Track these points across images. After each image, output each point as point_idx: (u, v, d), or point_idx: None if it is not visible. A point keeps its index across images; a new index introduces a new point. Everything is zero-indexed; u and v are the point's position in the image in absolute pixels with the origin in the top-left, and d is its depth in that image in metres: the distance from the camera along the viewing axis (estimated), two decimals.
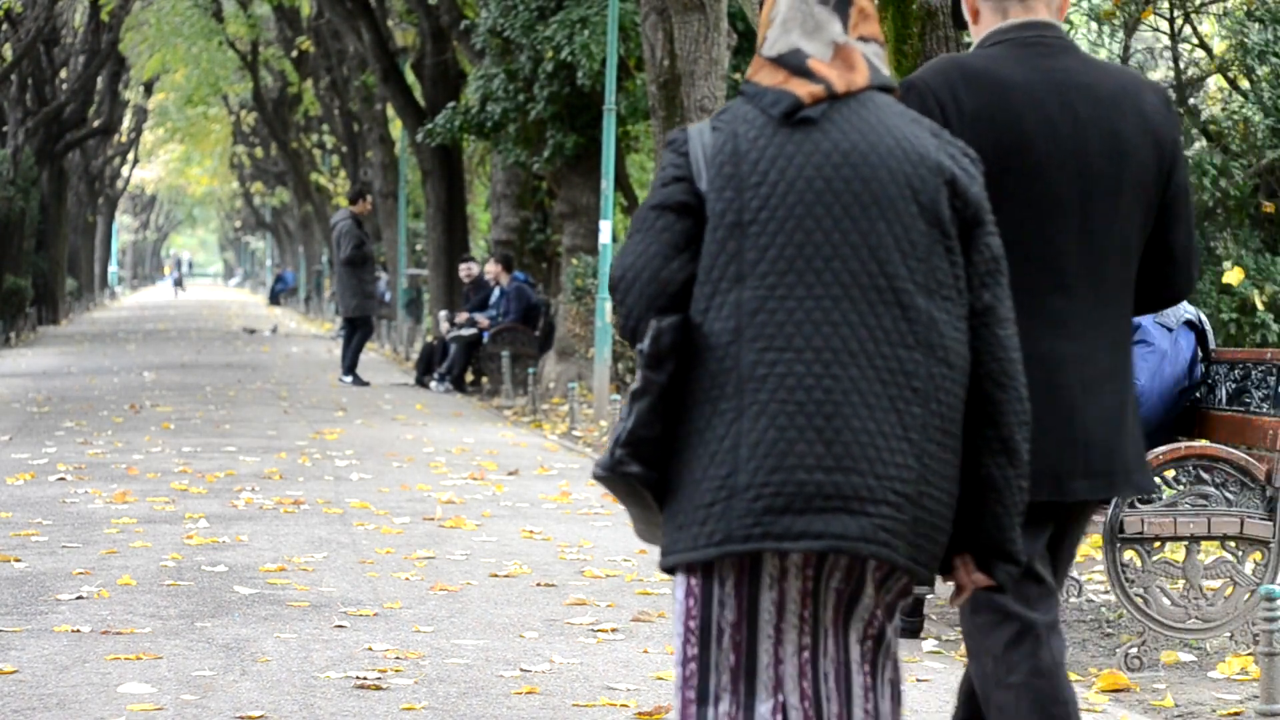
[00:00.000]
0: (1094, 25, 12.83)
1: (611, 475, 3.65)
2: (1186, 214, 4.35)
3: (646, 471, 3.65)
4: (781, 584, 3.62)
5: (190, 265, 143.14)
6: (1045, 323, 4.11)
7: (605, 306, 17.95)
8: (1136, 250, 4.28)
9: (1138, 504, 7.19)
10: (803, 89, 3.69)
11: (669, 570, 3.68)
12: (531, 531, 10.43)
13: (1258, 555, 7.27)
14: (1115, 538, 7.17)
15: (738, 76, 21.21)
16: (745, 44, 21.04)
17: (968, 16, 4.42)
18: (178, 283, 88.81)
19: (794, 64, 3.71)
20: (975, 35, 4.38)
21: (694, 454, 3.62)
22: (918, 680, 6.85)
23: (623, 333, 3.76)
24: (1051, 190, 4.19)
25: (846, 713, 3.66)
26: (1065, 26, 4.76)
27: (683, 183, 3.70)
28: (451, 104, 24.40)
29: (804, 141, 3.66)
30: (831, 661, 3.67)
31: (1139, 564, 7.23)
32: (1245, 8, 12.52)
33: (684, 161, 3.71)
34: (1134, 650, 7.18)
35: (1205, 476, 7.24)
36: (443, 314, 24.52)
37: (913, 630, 7.81)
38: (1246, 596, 7.22)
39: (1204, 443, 7.41)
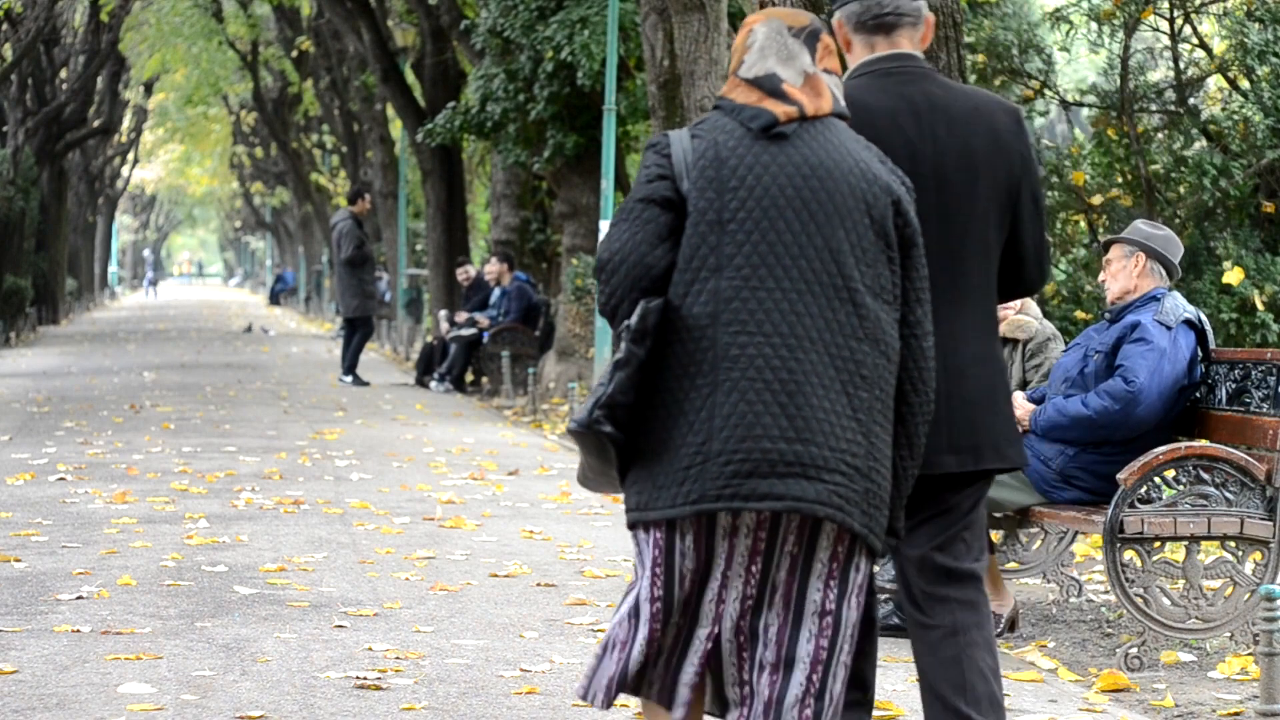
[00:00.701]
0: (1094, 25, 12.81)
1: (587, 432, 4.14)
2: (1038, 218, 4.89)
3: (616, 432, 4.15)
4: (731, 539, 4.15)
5: (200, 266, 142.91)
6: None
7: None
8: (996, 249, 4.84)
9: (1138, 504, 7.19)
10: (778, 108, 4.25)
11: (637, 526, 4.21)
12: (531, 531, 10.43)
13: (1258, 555, 7.27)
14: (1115, 538, 7.17)
15: None
16: None
17: (841, 47, 4.91)
18: (153, 283, 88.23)
19: (770, 86, 4.27)
20: (849, 64, 4.92)
21: (671, 422, 4.14)
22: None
23: (603, 310, 4.25)
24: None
25: (785, 671, 4.17)
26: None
27: (666, 181, 4.23)
28: (451, 104, 24.39)
29: (778, 154, 4.22)
30: (776, 617, 4.18)
31: (1139, 564, 7.23)
32: (1245, 8, 12.51)
33: (667, 163, 4.24)
34: (1134, 650, 7.18)
35: (1205, 476, 7.24)
36: (443, 314, 24.51)
37: None
38: (1246, 596, 7.22)
39: (1204, 443, 7.41)
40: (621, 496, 4.36)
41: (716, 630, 4.18)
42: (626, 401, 4.14)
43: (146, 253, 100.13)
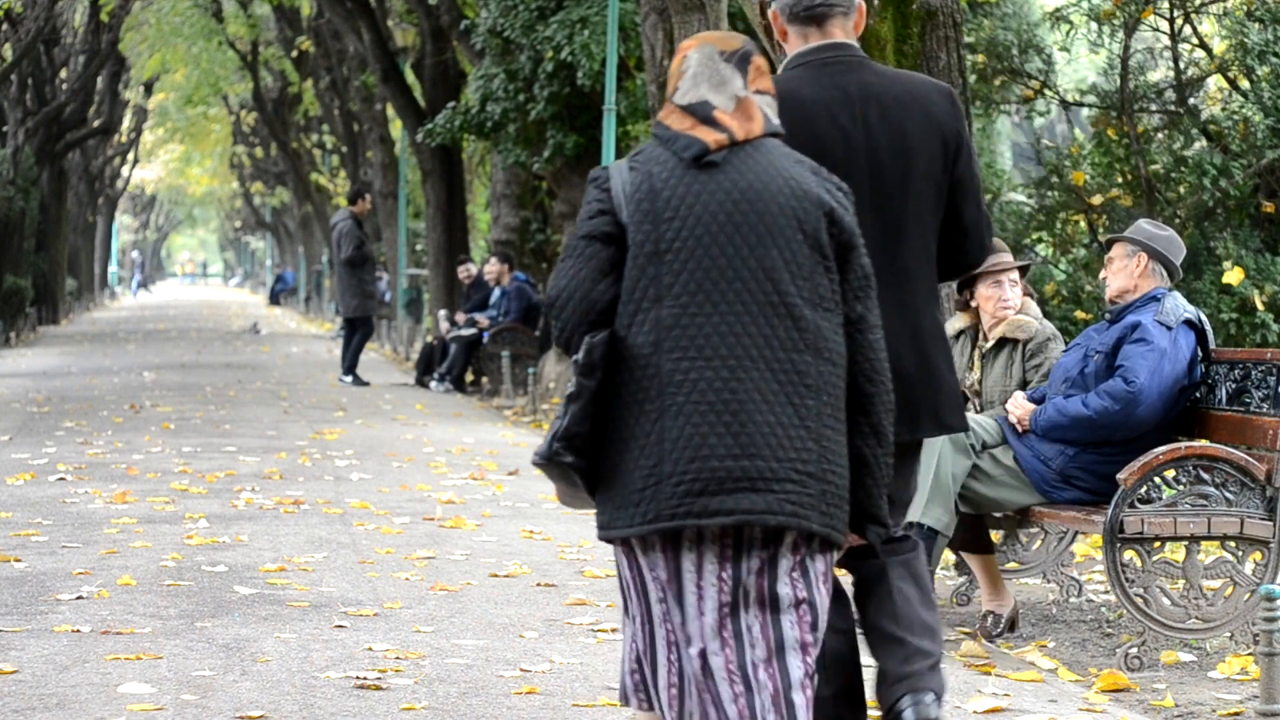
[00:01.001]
0: (1094, 25, 12.79)
1: (549, 464, 4.39)
2: (974, 193, 5.12)
3: (578, 460, 4.39)
4: (699, 548, 4.36)
5: (204, 266, 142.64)
6: None
7: None
8: (932, 227, 5.08)
9: (1138, 504, 7.20)
10: (709, 136, 4.43)
11: (609, 542, 4.46)
12: (531, 531, 10.43)
13: (1258, 555, 7.27)
14: (1115, 538, 7.17)
15: None
16: None
17: (778, 38, 5.14)
18: (142, 284, 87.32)
19: (702, 113, 4.45)
20: (787, 54, 5.14)
21: (625, 448, 4.36)
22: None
23: (558, 343, 4.50)
24: (850, 189, 4.76)
25: (779, 660, 4.38)
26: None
27: (606, 215, 4.42)
28: (451, 104, 24.38)
29: (709, 181, 4.41)
30: (756, 616, 4.38)
31: (1139, 564, 7.23)
32: (1245, 8, 12.51)
33: (606, 197, 4.44)
34: (1134, 650, 7.18)
35: (1205, 476, 7.24)
36: (443, 314, 24.50)
37: None
38: (1246, 596, 7.22)
39: (1204, 443, 7.41)
40: None
41: (702, 646, 4.38)
42: (583, 431, 4.38)
43: (135, 254, 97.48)
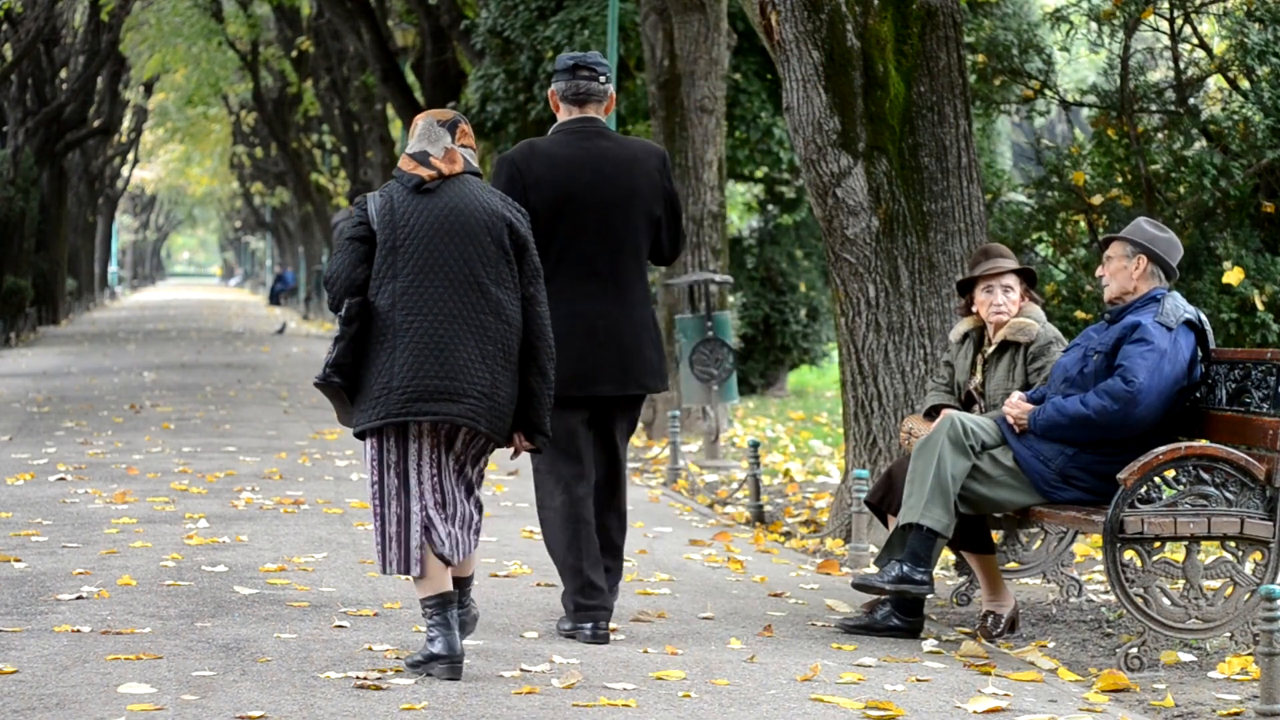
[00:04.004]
0: (1094, 25, 12.76)
1: (326, 384, 6.63)
2: (674, 225, 7.65)
3: (344, 382, 6.65)
4: (419, 441, 6.66)
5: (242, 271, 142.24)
6: (581, 295, 7.44)
7: None
8: (644, 247, 7.59)
9: (1138, 504, 7.20)
10: (424, 172, 6.75)
11: (360, 435, 6.68)
12: (531, 531, 10.42)
13: (1258, 555, 7.27)
14: (1115, 538, 7.17)
15: (738, 76, 21.20)
16: (745, 44, 20.99)
17: (554, 108, 7.64)
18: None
19: (421, 159, 6.78)
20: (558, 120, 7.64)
21: (370, 371, 6.61)
22: (917, 680, 6.84)
23: (331, 306, 6.68)
24: (585, 220, 7.44)
25: (459, 512, 6.71)
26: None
27: (364, 225, 6.70)
28: (451, 104, 24.37)
29: (429, 202, 6.73)
30: (451, 486, 6.71)
31: (1139, 564, 7.23)
32: (1245, 8, 12.48)
33: (364, 214, 6.72)
34: (1134, 650, 7.18)
35: (1205, 476, 7.24)
36: None
37: (912, 630, 7.81)
38: (1246, 596, 7.22)
39: (1204, 443, 7.41)
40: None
41: (424, 502, 6.63)
42: (346, 361, 6.62)
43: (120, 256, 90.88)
